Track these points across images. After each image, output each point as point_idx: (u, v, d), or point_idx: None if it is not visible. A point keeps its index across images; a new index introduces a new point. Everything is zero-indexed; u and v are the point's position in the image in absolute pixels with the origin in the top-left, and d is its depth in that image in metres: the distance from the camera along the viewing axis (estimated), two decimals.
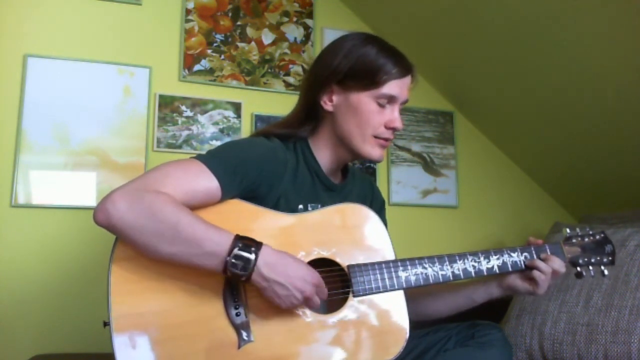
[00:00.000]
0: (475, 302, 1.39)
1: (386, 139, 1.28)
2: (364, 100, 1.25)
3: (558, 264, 1.32)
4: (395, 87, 1.25)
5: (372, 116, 1.25)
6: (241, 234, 1.06)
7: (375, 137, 1.27)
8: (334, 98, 1.27)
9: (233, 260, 1.02)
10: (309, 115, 1.31)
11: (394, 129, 1.27)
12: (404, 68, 1.26)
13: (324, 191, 1.31)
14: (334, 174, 1.36)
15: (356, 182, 1.42)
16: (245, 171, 1.16)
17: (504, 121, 2.46)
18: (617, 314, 1.60)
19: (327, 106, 1.27)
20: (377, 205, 1.46)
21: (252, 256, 1.03)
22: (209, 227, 1.04)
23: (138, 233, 1.02)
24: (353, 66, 1.24)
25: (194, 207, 1.10)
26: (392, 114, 1.26)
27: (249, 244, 1.04)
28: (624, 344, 1.55)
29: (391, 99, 1.26)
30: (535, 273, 1.30)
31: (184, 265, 1.04)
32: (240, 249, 1.02)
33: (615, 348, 1.56)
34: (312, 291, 1.08)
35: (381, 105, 1.25)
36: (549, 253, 1.34)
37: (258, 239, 1.07)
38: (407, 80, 1.28)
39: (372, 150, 1.27)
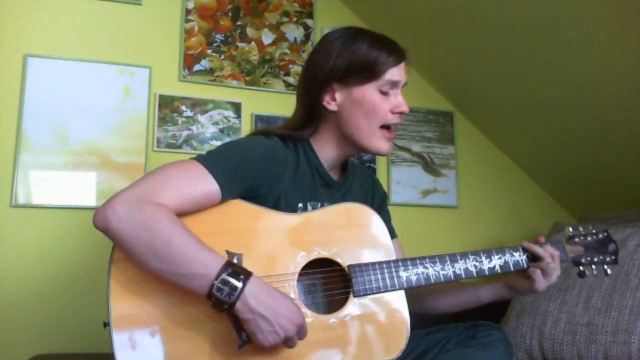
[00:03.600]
0: (481, 300, 1.39)
1: (393, 126, 1.29)
2: (368, 91, 1.25)
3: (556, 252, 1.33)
4: (394, 73, 1.26)
5: (378, 106, 1.25)
6: (243, 234, 1.06)
7: (383, 126, 1.27)
8: (337, 96, 1.27)
9: (219, 285, 0.98)
10: (310, 117, 1.30)
11: (401, 113, 1.28)
12: (399, 54, 1.27)
13: (323, 188, 1.31)
14: (334, 169, 1.35)
15: (356, 178, 1.42)
16: (245, 172, 1.15)
17: (504, 121, 2.46)
18: (617, 314, 1.60)
19: (331, 106, 1.27)
20: (379, 199, 1.46)
21: (240, 284, 0.99)
22: (201, 248, 1.02)
23: (131, 243, 1.01)
24: (350, 62, 1.24)
25: (195, 210, 1.10)
26: (397, 99, 1.28)
27: (238, 271, 1.01)
28: (624, 344, 1.55)
29: (393, 85, 1.27)
30: (540, 264, 1.31)
31: (169, 283, 1.03)
32: (228, 275, 0.99)
33: (615, 348, 1.56)
34: (295, 332, 1.03)
35: (384, 93, 1.26)
36: None
37: (259, 239, 1.07)
38: (403, 64, 1.29)
39: (379, 143, 1.28)
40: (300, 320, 1.04)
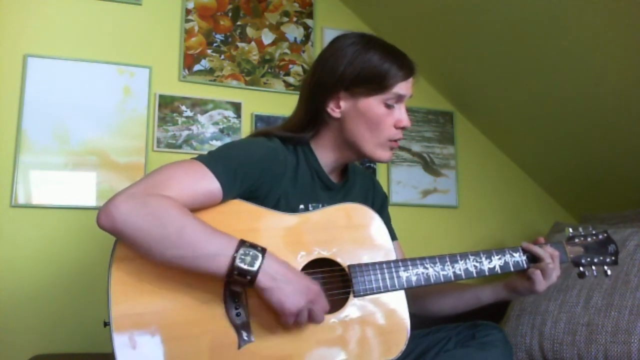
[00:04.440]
0: (482, 302, 1.39)
1: (397, 140, 1.29)
2: (373, 104, 1.25)
3: (555, 252, 1.33)
4: (402, 87, 1.26)
5: (382, 119, 1.26)
6: (243, 234, 1.06)
7: (388, 140, 1.28)
8: (342, 104, 1.26)
9: (241, 256, 1.01)
10: (312, 121, 1.30)
11: (403, 128, 1.28)
12: (409, 68, 1.27)
13: (324, 190, 1.31)
14: (334, 173, 1.36)
15: (357, 180, 1.42)
16: (246, 172, 1.16)
17: (504, 121, 2.47)
18: (617, 314, 1.60)
19: (335, 113, 1.27)
20: (379, 200, 1.46)
21: (259, 253, 1.03)
22: (214, 230, 1.04)
23: (142, 237, 1.01)
24: (360, 73, 1.23)
25: (196, 209, 1.10)
26: (400, 114, 1.28)
27: (255, 245, 1.04)
28: (624, 344, 1.55)
29: (399, 99, 1.27)
30: (539, 265, 1.31)
31: (188, 268, 1.04)
32: (247, 247, 1.03)
33: (615, 348, 1.56)
34: (316, 295, 1.07)
35: (389, 107, 1.26)
36: None
37: (260, 238, 1.07)
38: (411, 79, 1.29)
39: (383, 153, 1.29)
40: (317, 287, 1.08)
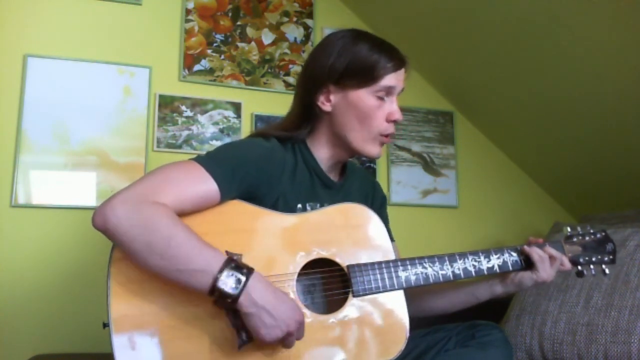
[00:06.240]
0: (478, 299, 1.39)
1: (388, 135, 1.28)
2: (363, 96, 1.25)
3: (554, 251, 1.32)
4: (392, 79, 1.25)
5: (373, 111, 1.25)
6: (242, 234, 1.06)
7: (379, 134, 1.27)
8: (332, 97, 1.26)
9: (223, 278, 0.98)
10: (306, 117, 1.30)
11: (395, 121, 1.28)
12: (399, 60, 1.26)
13: (323, 189, 1.31)
14: (333, 171, 1.35)
15: (356, 179, 1.42)
16: (244, 173, 1.16)
17: (504, 121, 2.46)
18: (617, 314, 1.60)
19: (325, 106, 1.27)
20: (378, 201, 1.46)
21: (243, 277, 0.99)
22: (202, 246, 1.02)
23: (130, 242, 1.01)
24: (348, 65, 1.23)
25: (194, 211, 1.10)
26: (391, 106, 1.27)
27: (241, 266, 1.01)
28: (624, 344, 1.55)
29: (389, 91, 1.26)
30: (534, 257, 1.31)
31: (171, 280, 1.02)
32: (232, 269, 0.99)
33: (615, 348, 1.56)
34: (295, 328, 1.03)
35: (380, 99, 1.25)
36: None
37: (259, 239, 1.07)
38: (402, 71, 1.28)
39: (372, 148, 1.28)
40: (301, 317, 1.05)
